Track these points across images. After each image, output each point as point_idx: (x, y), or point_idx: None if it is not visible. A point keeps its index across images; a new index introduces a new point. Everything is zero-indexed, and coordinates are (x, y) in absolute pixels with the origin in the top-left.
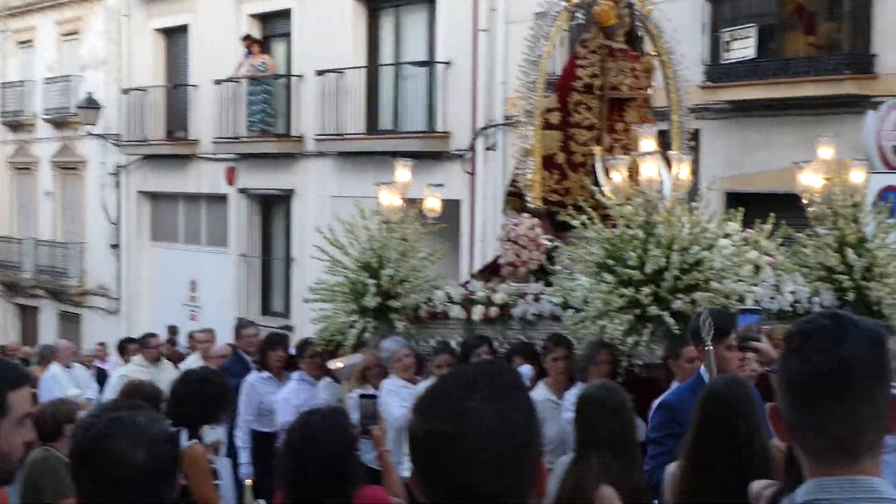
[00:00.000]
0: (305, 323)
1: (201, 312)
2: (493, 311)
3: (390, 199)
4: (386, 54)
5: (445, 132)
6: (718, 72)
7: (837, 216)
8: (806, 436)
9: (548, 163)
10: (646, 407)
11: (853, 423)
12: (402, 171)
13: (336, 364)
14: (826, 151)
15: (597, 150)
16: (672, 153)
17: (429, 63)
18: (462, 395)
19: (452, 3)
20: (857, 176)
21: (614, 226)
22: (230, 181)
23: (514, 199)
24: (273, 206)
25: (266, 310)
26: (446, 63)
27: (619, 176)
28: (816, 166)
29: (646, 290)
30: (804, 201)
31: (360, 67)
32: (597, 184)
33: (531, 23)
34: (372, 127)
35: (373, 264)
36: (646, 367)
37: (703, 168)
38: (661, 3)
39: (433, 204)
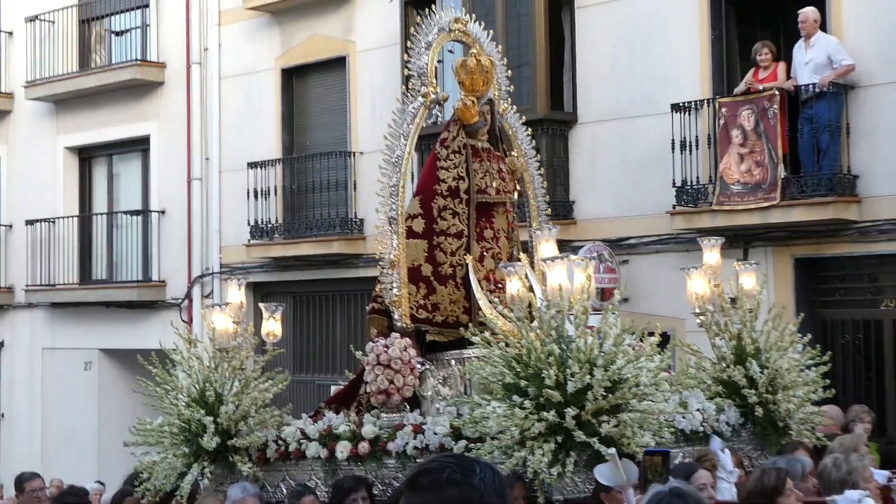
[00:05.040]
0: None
1: None
2: (363, 446)
3: (224, 322)
4: (99, 203)
5: (161, 281)
6: None
7: (732, 326)
8: None
9: (413, 275)
10: None
11: None
12: (234, 292)
13: None
14: (712, 256)
15: (468, 259)
16: (574, 258)
17: (143, 212)
18: None
19: (166, 151)
20: (747, 281)
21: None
22: None
23: (379, 317)
24: None
25: None
26: (161, 212)
27: (516, 285)
28: (702, 272)
29: (570, 412)
30: (695, 310)
31: (71, 217)
32: (469, 297)
33: (245, 171)
34: (85, 277)
35: (209, 399)
36: (566, 503)
37: None
38: (370, 153)
39: (272, 327)
